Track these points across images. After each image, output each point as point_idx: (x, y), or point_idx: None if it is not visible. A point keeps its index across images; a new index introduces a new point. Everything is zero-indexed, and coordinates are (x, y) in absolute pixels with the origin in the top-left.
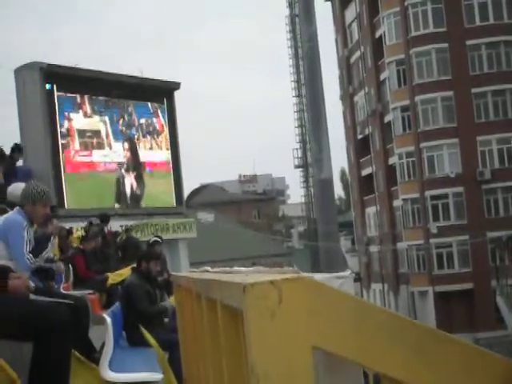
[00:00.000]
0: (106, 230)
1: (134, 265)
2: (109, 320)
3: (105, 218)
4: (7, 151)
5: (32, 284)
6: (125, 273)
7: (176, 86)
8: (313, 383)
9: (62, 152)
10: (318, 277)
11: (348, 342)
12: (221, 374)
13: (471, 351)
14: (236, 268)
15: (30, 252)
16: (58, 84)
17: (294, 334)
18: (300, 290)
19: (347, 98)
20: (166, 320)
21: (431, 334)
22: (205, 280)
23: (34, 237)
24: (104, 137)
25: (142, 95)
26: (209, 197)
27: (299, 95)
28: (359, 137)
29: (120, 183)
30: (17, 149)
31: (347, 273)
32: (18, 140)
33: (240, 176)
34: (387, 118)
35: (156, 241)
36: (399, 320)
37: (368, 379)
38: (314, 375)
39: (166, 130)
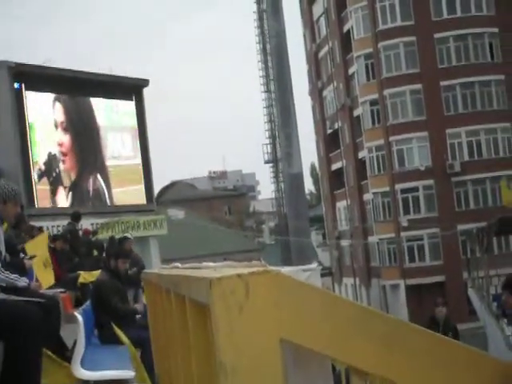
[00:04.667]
0: (79, 228)
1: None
2: (80, 318)
3: (76, 217)
4: None
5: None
6: (97, 273)
7: (145, 83)
8: (281, 376)
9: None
10: (285, 270)
11: (315, 334)
12: (190, 369)
13: (439, 342)
14: (205, 263)
15: None
16: (26, 83)
17: (262, 327)
18: (267, 283)
19: (316, 92)
20: (139, 316)
21: (399, 326)
22: (173, 276)
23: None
24: None
25: (111, 93)
26: (179, 194)
27: (268, 90)
28: (329, 131)
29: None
30: None
31: (314, 265)
32: None
33: (210, 172)
34: (356, 112)
35: (125, 237)
36: (366, 312)
37: (336, 371)
38: (283, 368)
39: (136, 127)
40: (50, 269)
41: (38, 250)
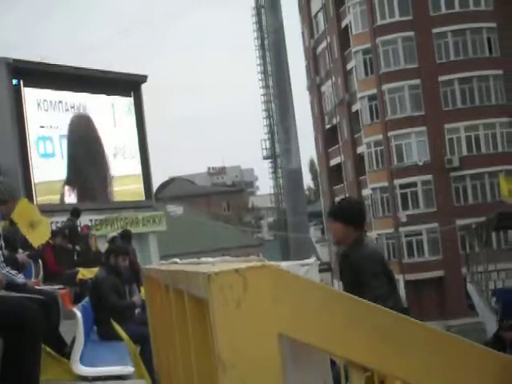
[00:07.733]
0: (78, 224)
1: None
2: (79, 314)
3: (75, 213)
4: None
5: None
6: (96, 270)
7: (143, 79)
8: (280, 370)
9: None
10: (283, 264)
11: (313, 329)
12: (190, 364)
13: (437, 336)
14: (203, 259)
15: None
16: (24, 79)
17: (260, 321)
18: (265, 277)
19: (314, 88)
20: (138, 311)
21: (397, 320)
22: (172, 271)
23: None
24: None
25: (110, 89)
26: (178, 190)
27: (266, 86)
28: (327, 127)
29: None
30: None
31: (312, 260)
32: None
33: (209, 168)
34: (355, 108)
35: (114, 236)
36: (363, 306)
37: (335, 366)
38: (281, 362)
39: (134, 123)
40: (41, 228)
41: (20, 217)
